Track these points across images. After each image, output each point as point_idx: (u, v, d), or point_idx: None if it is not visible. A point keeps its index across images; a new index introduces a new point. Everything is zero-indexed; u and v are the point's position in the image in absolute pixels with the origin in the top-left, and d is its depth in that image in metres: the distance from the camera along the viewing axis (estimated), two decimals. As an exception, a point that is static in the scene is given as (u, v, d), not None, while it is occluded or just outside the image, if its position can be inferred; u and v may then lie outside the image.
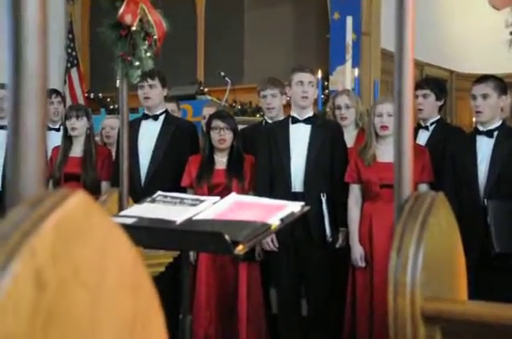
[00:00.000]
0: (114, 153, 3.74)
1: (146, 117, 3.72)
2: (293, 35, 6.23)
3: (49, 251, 0.65)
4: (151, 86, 3.62)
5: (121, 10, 2.48)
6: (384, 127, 3.24)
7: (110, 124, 4.24)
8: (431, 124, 3.63)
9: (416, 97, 3.57)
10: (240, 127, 3.64)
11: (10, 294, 0.61)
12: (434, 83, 3.76)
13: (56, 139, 3.89)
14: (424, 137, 3.60)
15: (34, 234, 0.64)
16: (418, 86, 3.61)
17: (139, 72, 2.60)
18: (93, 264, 0.69)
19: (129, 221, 1.84)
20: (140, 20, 2.53)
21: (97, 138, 4.03)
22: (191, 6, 6.68)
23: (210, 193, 3.36)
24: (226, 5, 6.50)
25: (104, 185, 3.66)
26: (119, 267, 0.73)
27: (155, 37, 2.58)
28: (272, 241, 3.33)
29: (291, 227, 3.01)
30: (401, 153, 1.41)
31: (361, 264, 3.23)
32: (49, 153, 3.78)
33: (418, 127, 3.63)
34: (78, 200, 0.69)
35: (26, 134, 0.73)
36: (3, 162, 3.86)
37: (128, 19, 2.48)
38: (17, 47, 0.74)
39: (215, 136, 3.44)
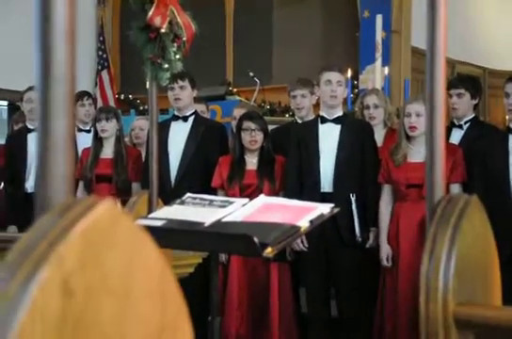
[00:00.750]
0: (144, 155, 3.77)
1: (176, 118, 3.74)
2: (322, 34, 6.19)
3: (76, 259, 0.65)
4: (181, 87, 3.63)
5: (151, 13, 2.49)
6: (412, 127, 3.20)
7: (140, 125, 4.27)
8: (465, 123, 3.57)
9: (450, 96, 3.50)
10: (269, 127, 3.63)
11: (38, 302, 0.61)
12: (469, 82, 3.68)
13: (87, 141, 3.95)
14: (457, 136, 3.54)
15: (61, 243, 0.64)
16: (452, 85, 3.54)
17: (168, 74, 2.60)
18: (121, 271, 0.69)
19: (158, 223, 1.85)
20: (169, 22, 2.54)
21: (126, 139, 4.07)
22: (220, 6, 6.69)
23: (241, 194, 3.37)
24: (255, 4, 6.49)
25: (135, 186, 3.69)
26: (146, 275, 0.72)
27: (184, 39, 2.58)
28: (302, 241, 3.32)
29: (320, 227, 2.99)
30: (433, 154, 1.38)
31: (388, 264, 3.22)
32: (79, 155, 3.83)
33: (451, 126, 3.57)
34: (105, 208, 0.69)
35: (54, 141, 0.73)
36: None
37: (157, 21, 2.49)
38: (45, 52, 0.74)
39: (246, 137, 3.45)
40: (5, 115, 6.72)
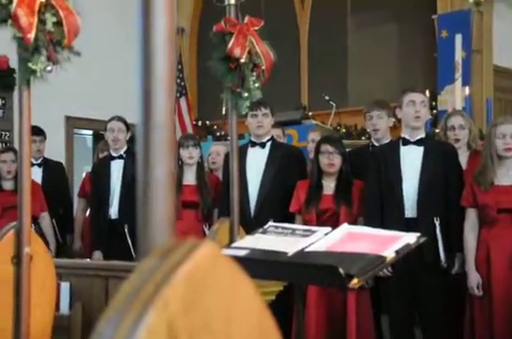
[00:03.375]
0: (220, 179, 3.81)
1: (253, 144, 3.77)
2: (398, 55, 6.12)
3: (181, 302, 0.66)
4: (264, 114, 3.66)
5: (231, 44, 2.54)
6: (509, 149, 3.10)
7: (217, 150, 4.35)
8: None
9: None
10: (345, 151, 3.59)
11: (146, 345, 0.63)
12: None
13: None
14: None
15: (166, 285, 0.65)
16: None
17: (248, 102, 2.64)
18: (222, 313, 0.70)
19: (241, 253, 1.86)
20: (249, 52, 2.58)
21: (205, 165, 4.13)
22: (294, 30, 6.74)
23: (318, 219, 3.34)
24: (329, 28, 6.51)
25: (217, 212, 3.73)
26: (246, 316, 0.73)
27: (263, 67, 2.62)
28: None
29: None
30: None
31: (479, 292, 3.08)
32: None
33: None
34: (207, 250, 0.70)
35: (156, 184, 0.76)
36: (120, 190, 4.06)
37: (237, 52, 2.54)
38: (146, 101, 0.78)
39: (323, 160, 3.43)
40: (90, 143, 7.03)
